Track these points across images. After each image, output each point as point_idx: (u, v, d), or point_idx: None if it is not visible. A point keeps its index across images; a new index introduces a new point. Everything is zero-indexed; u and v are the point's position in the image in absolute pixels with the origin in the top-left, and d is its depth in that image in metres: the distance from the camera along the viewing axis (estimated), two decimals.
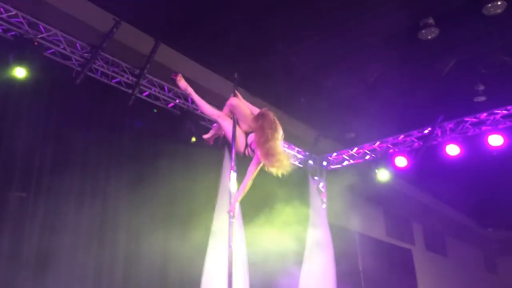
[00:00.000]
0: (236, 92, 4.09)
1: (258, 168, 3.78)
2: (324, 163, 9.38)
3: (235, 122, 3.92)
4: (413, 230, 13.24)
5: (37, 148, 5.23)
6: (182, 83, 4.11)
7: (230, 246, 3.57)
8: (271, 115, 3.69)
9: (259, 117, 3.72)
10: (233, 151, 3.83)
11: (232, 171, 3.80)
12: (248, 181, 3.80)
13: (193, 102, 6.99)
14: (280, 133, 3.66)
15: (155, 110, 6.68)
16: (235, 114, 3.94)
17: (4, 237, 4.68)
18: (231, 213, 3.69)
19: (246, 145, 3.87)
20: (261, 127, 3.63)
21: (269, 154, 3.57)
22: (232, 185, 3.80)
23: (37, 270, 4.81)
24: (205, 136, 4.39)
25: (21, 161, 5.03)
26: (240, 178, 3.85)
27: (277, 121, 3.68)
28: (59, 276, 4.92)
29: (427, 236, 13.70)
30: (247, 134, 3.89)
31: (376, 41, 6.43)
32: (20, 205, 4.90)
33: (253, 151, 3.82)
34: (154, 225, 5.94)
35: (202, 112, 4.04)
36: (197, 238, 6.12)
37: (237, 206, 3.87)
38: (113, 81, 6.25)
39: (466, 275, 14.44)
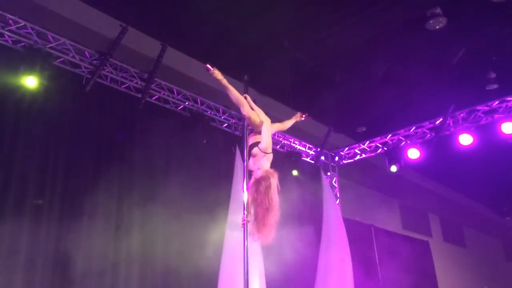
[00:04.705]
0: (246, 95, 4.15)
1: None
2: (336, 158, 9.36)
3: (246, 137, 4.07)
4: (430, 221, 13.13)
5: (50, 155, 5.32)
6: (217, 74, 4.07)
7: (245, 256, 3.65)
8: (272, 181, 3.83)
9: (261, 181, 3.86)
10: (245, 165, 3.96)
11: (245, 181, 3.91)
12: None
13: (203, 103, 7.07)
14: (276, 201, 3.81)
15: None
16: (246, 121, 4.13)
17: (22, 241, 4.78)
18: (244, 223, 3.77)
19: (249, 154, 4.04)
20: (263, 193, 3.80)
21: (261, 225, 3.77)
22: (245, 196, 3.87)
23: (55, 272, 4.92)
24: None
25: (35, 169, 5.12)
26: None
27: (274, 187, 3.83)
28: (76, 277, 5.00)
29: (444, 228, 13.58)
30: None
31: (383, 34, 6.39)
32: (37, 212, 5.00)
33: (249, 154, 4.01)
34: (169, 223, 5.98)
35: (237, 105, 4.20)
36: (212, 233, 6.17)
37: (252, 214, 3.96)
38: (123, 86, 6.31)
39: (486, 265, 14.27)
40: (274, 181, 3.85)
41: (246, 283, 3.53)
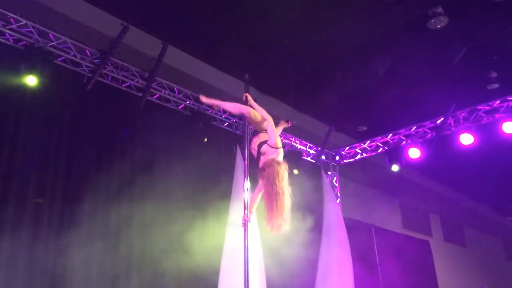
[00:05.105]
0: (247, 95, 4.15)
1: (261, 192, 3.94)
2: (337, 157, 9.36)
3: (247, 136, 4.08)
4: (430, 221, 13.13)
5: (51, 154, 5.32)
6: (205, 100, 4.30)
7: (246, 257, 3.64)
8: (276, 166, 3.77)
9: (265, 168, 3.82)
10: (246, 164, 3.95)
11: (246, 180, 3.90)
12: (256, 197, 4.01)
13: (202, 102, 7.06)
14: (285, 184, 3.74)
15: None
16: (247, 120, 4.15)
17: (23, 241, 4.77)
18: (244, 222, 3.77)
19: (258, 152, 4.00)
20: (267, 178, 3.74)
21: (268, 212, 3.68)
22: (245, 196, 3.85)
23: (55, 273, 4.92)
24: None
25: (36, 168, 5.11)
26: (253, 183, 4.02)
27: (283, 172, 3.76)
28: (76, 277, 5.00)
29: (444, 227, 13.58)
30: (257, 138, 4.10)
31: (384, 32, 6.39)
32: (37, 211, 5.00)
33: (259, 152, 3.94)
34: (168, 222, 5.97)
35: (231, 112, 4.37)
36: (212, 233, 6.17)
37: (253, 214, 3.97)
38: (123, 85, 6.31)
39: (487, 265, 14.28)
40: (279, 167, 3.76)
41: (246, 282, 3.53)
